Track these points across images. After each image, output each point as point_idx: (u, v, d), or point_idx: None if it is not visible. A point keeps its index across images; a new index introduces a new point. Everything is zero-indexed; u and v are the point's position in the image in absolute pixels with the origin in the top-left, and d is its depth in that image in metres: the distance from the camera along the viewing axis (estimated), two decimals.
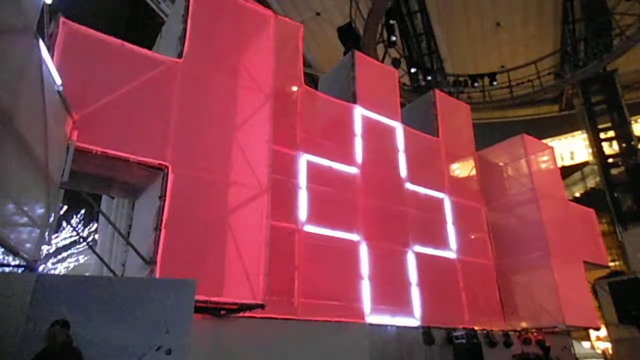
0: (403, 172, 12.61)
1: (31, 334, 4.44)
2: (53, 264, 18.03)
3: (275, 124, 8.95)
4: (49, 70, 5.24)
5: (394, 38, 20.90)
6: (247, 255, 7.73)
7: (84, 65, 7.31)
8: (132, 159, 7.23)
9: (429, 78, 25.07)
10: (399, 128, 13.14)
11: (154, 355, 4.80)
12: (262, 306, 7.58)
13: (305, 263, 9.58)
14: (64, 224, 15.98)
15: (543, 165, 15.13)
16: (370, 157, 11.84)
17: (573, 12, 25.04)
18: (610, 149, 26.02)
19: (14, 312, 4.51)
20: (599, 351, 19.46)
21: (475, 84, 25.92)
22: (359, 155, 11.68)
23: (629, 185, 24.71)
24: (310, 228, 10.00)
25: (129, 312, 5.03)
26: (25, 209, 5.04)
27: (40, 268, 12.25)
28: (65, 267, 18.08)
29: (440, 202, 13.39)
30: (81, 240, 16.99)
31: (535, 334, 12.43)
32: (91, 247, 9.03)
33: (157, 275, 6.78)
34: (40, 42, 4.81)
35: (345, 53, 15.74)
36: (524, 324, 12.94)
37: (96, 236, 11.88)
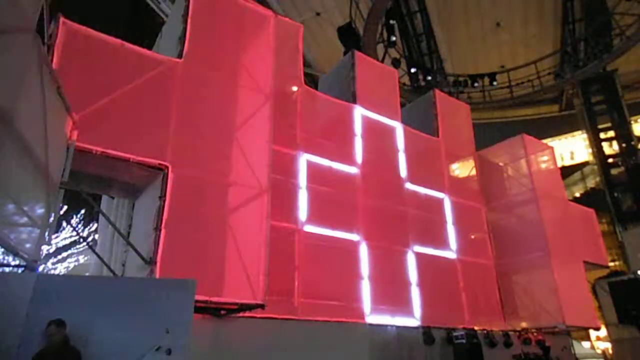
0: (403, 172, 12.61)
1: (31, 334, 4.44)
2: (53, 264, 18.03)
3: (275, 124, 8.95)
4: (49, 70, 5.24)
5: (394, 38, 20.87)
6: (247, 255, 7.72)
7: (84, 65, 7.31)
8: (132, 159, 7.23)
9: (429, 78, 25.04)
10: (399, 128, 13.14)
11: (154, 355, 4.80)
12: (262, 306, 7.58)
13: (305, 263, 9.58)
14: (64, 224, 15.99)
15: (543, 165, 15.14)
16: (370, 157, 11.84)
17: (573, 12, 25.04)
18: (610, 149, 26.00)
19: (14, 312, 4.51)
20: (599, 351, 19.44)
21: (475, 84, 25.88)
22: (359, 155, 11.68)
23: (629, 185, 24.69)
24: (310, 228, 10.00)
25: (129, 312, 5.03)
26: (25, 209, 5.03)
27: (40, 268, 12.29)
28: (65, 267, 18.08)
29: (440, 202, 13.39)
30: (81, 240, 17.00)
31: (535, 334, 12.43)
32: (91, 247, 9.03)
33: (157, 275, 6.77)
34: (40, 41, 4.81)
35: (345, 53, 15.74)
36: (524, 324, 12.94)
37: (96, 236, 11.89)
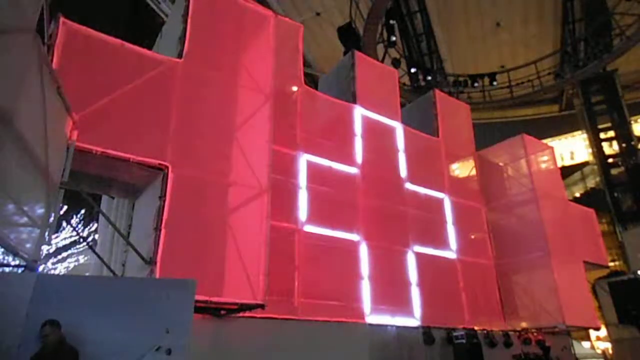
0: (403, 172, 12.61)
1: (31, 334, 4.44)
2: (53, 264, 18.04)
3: (275, 124, 8.95)
4: (49, 70, 5.24)
5: (394, 38, 20.87)
6: (247, 255, 7.73)
7: (84, 65, 7.31)
8: (132, 159, 7.23)
9: (429, 78, 25.04)
10: (399, 128, 13.14)
11: (154, 355, 4.80)
12: (262, 306, 7.58)
13: (305, 263, 9.58)
14: (64, 224, 15.99)
15: (543, 165, 15.14)
16: (370, 157, 11.84)
17: (573, 12, 25.04)
18: (610, 149, 26.02)
19: (14, 312, 4.51)
20: (599, 351, 19.44)
21: (475, 84, 25.89)
22: (359, 155, 11.68)
23: (629, 185, 24.71)
24: (310, 228, 10.00)
25: (129, 312, 5.03)
26: (25, 209, 5.03)
27: (40, 268, 12.28)
28: (65, 267, 18.09)
29: (440, 202, 13.39)
30: (81, 240, 17.00)
31: (535, 334, 12.43)
32: (91, 247, 9.02)
33: (157, 275, 6.77)
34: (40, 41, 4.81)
35: (345, 53, 15.74)
36: (524, 324, 12.94)
37: (96, 236, 11.89)
